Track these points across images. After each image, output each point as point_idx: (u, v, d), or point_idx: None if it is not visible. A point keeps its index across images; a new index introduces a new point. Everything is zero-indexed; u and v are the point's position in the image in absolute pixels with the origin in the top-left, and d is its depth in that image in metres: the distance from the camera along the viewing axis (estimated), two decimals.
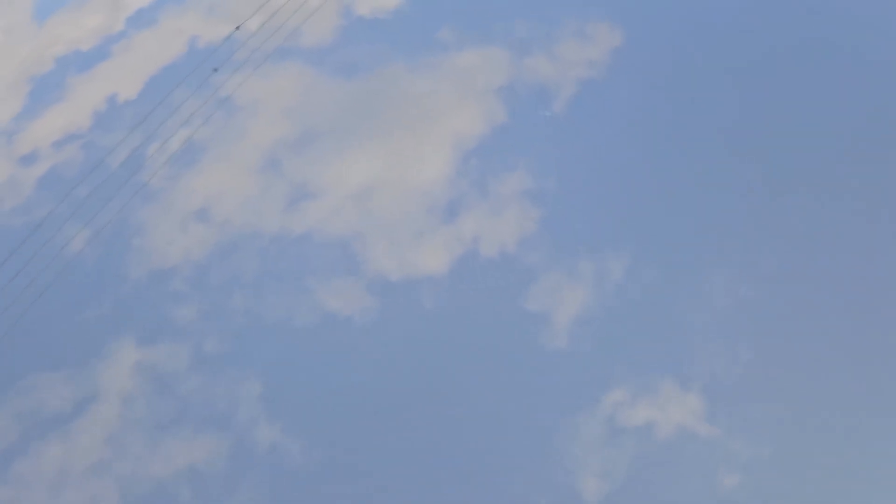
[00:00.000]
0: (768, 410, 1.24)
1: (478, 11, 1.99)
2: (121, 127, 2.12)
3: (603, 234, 1.47)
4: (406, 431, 1.31)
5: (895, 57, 1.58)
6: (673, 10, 1.83)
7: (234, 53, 2.20)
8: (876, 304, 1.31)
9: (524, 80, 1.73)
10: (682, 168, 1.54)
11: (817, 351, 1.27)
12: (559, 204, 1.55)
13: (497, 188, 1.59)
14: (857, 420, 1.25)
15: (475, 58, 1.87)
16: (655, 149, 1.57)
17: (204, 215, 1.79)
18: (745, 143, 1.47)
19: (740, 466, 1.21)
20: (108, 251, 1.82)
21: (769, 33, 1.73)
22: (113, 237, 1.84)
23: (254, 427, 1.38)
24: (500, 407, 1.29)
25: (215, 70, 2.07)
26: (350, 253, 1.59)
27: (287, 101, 2.00)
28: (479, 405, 1.31)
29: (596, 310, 1.35)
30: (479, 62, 1.85)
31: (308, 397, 1.42)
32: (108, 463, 1.42)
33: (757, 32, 1.72)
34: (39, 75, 2.26)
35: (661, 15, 1.82)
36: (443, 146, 1.72)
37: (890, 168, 1.46)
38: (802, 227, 1.39)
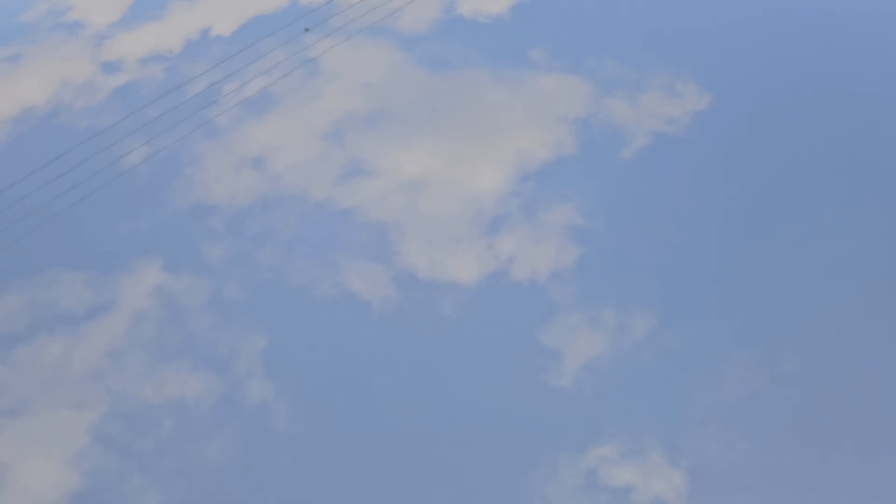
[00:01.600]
0: None
1: (574, 40, 1.98)
2: (205, 60, 2.16)
3: (636, 288, 1.45)
4: (389, 424, 1.31)
5: None
6: (764, 87, 1.81)
7: (330, 18, 2.22)
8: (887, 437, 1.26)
9: (600, 118, 1.72)
10: (731, 248, 1.52)
11: (815, 463, 1.24)
12: (601, 248, 1.53)
13: (544, 216, 1.59)
14: None
15: (559, 84, 1.86)
16: (710, 222, 1.55)
17: (258, 164, 1.82)
18: (800, 240, 1.43)
19: None
20: (160, 173, 1.85)
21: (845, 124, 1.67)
22: (168, 161, 1.87)
23: (248, 380, 1.39)
24: (487, 425, 1.29)
25: (307, 30, 2.09)
26: (386, 240, 1.60)
27: (367, 77, 2.02)
28: (468, 418, 1.31)
29: (607, 360, 1.33)
30: (562, 89, 1.84)
31: (308, 368, 1.43)
32: (104, 373, 1.44)
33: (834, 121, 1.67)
34: None
35: (751, 89, 1.80)
36: (504, 161, 1.72)
37: None
38: (836, 339, 1.35)
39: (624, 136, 1.69)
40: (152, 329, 1.49)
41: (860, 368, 1.31)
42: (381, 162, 1.78)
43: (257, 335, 1.45)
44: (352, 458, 1.28)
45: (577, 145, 1.71)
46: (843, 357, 1.33)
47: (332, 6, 2.24)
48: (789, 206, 1.56)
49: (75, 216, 1.78)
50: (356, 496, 1.26)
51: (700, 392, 1.28)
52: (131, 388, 1.41)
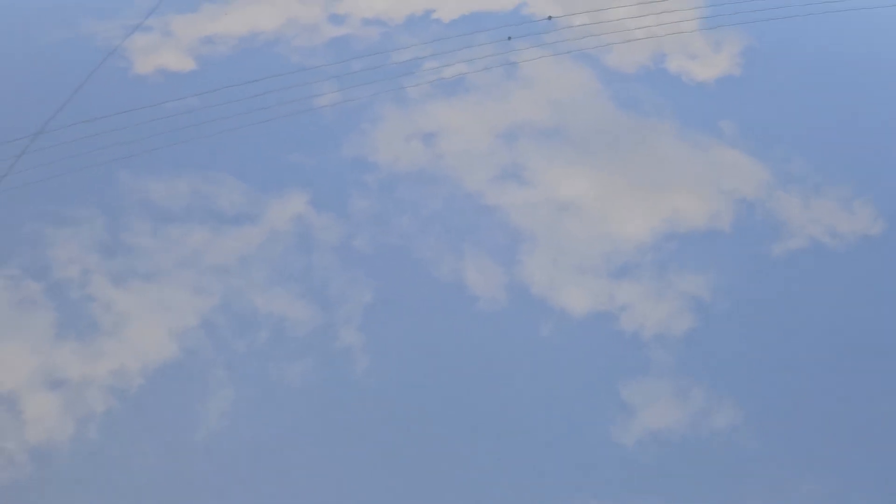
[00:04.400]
0: None
1: (769, 125, 1.93)
2: (418, 36, 2.27)
3: (735, 380, 1.41)
4: (447, 410, 1.36)
5: None
6: None
7: (546, 34, 2.28)
8: None
9: (766, 206, 1.67)
10: (850, 383, 1.43)
11: None
12: (715, 328, 1.50)
13: (673, 278, 1.57)
14: None
15: (738, 160, 1.83)
16: (838, 346, 1.46)
17: (428, 140, 1.91)
18: None
19: None
20: (340, 121, 1.98)
21: None
22: (350, 113, 2.00)
23: (344, 325, 1.48)
24: (533, 450, 1.30)
25: (509, 38, 2.17)
26: (515, 247, 1.63)
27: (558, 94, 2.06)
28: (519, 436, 1.33)
29: (677, 436, 1.30)
30: (739, 166, 1.81)
31: (398, 334, 1.49)
32: (228, 271, 1.58)
33: None
34: None
35: None
36: (656, 213, 1.71)
37: None
38: None
39: (782, 232, 1.63)
40: (281, 250, 1.61)
41: None
42: (541, 175, 1.82)
43: (366, 289, 1.53)
44: (404, 432, 1.33)
45: (732, 224, 1.67)
46: None
47: (551, 24, 2.31)
48: None
49: (256, 133, 1.94)
50: (400, 467, 1.31)
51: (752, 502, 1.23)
52: (246, 292, 1.54)
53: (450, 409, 1.36)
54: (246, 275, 1.57)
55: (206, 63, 2.20)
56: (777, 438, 1.30)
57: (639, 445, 1.27)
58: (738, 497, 1.22)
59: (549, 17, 2.28)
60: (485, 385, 1.41)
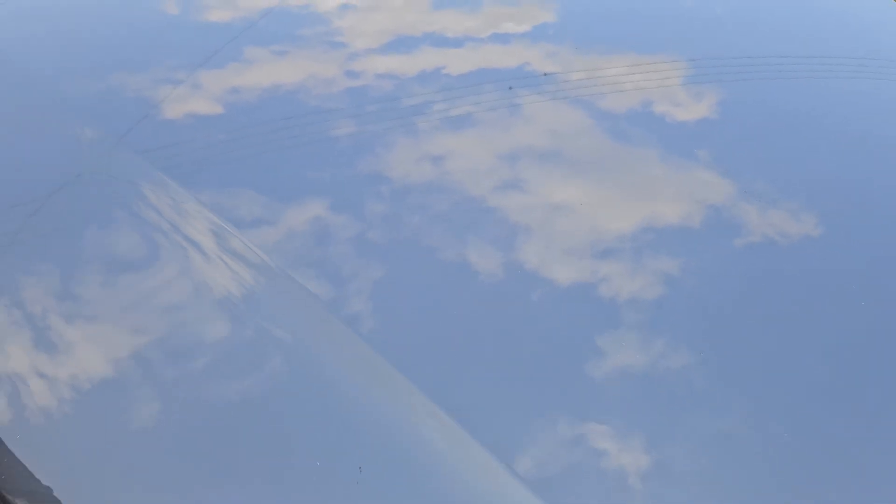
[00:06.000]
0: None
1: (736, 155, 2.18)
2: (428, 86, 2.55)
3: (686, 332, 1.58)
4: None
5: None
6: None
7: (540, 84, 2.56)
8: None
9: (731, 213, 1.89)
10: None
11: None
12: (678, 295, 1.69)
13: (647, 260, 1.78)
14: None
15: (710, 178, 2.06)
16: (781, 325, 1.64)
17: (436, 161, 2.16)
18: None
19: None
20: (354, 147, 2.24)
21: None
22: (364, 141, 2.26)
23: (355, 296, 1.69)
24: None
25: (510, 88, 2.46)
26: (511, 236, 1.85)
27: (554, 127, 2.32)
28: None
29: (627, 375, 1.47)
30: (711, 183, 2.03)
31: (415, 302, 1.69)
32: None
33: None
34: None
35: None
36: (636, 213, 1.93)
37: None
38: None
39: (743, 231, 1.85)
40: (298, 241, 1.84)
41: None
42: (537, 185, 2.06)
43: (379, 267, 1.75)
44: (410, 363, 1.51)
45: (701, 222, 1.89)
46: None
47: (549, 77, 2.60)
48: None
49: (276, 158, 2.20)
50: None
51: None
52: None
53: (455, 345, 1.56)
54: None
55: (232, 108, 2.44)
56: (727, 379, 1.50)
57: (605, 378, 1.46)
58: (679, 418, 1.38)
59: (545, 74, 2.58)
60: (482, 330, 1.65)
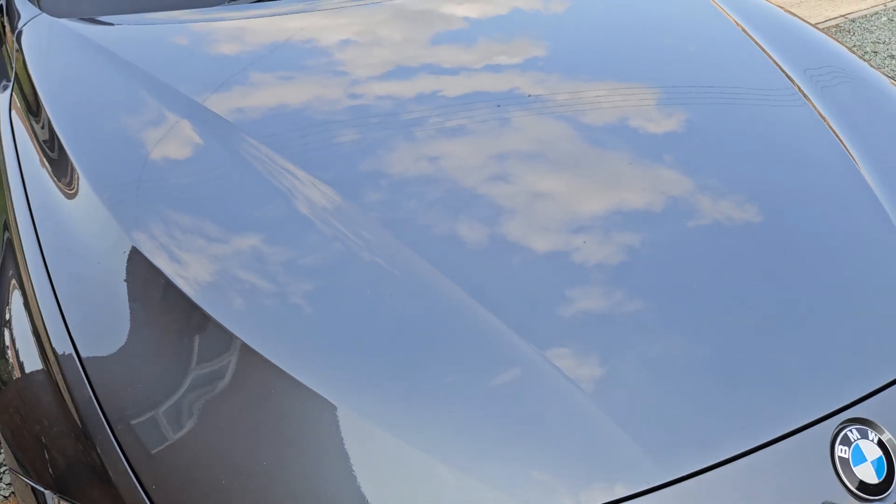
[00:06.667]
0: None
1: (699, 159, 2.47)
2: (425, 105, 2.83)
3: (637, 283, 1.86)
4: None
5: None
6: None
7: (528, 104, 2.85)
8: None
9: (688, 201, 2.18)
10: None
11: None
12: (638, 262, 1.96)
13: (615, 234, 2.05)
14: None
15: (673, 177, 2.34)
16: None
17: (432, 160, 2.43)
18: None
19: None
20: (354, 150, 2.50)
21: None
22: (365, 147, 2.53)
23: (362, 256, 1.94)
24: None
25: (498, 106, 2.75)
26: (497, 216, 2.12)
27: (539, 135, 2.61)
28: None
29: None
30: (674, 180, 2.32)
31: (410, 268, 1.95)
32: None
33: None
34: None
35: None
36: (607, 199, 2.21)
37: None
38: None
39: (696, 215, 2.13)
40: (301, 226, 2.11)
41: None
42: (522, 178, 2.34)
43: (383, 243, 2.03)
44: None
45: (663, 209, 2.17)
46: None
47: (536, 98, 2.89)
48: None
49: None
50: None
51: None
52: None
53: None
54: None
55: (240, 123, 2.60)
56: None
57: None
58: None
59: (529, 95, 2.87)
60: (471, 290, 1.92)
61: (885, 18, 9.17)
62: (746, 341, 1.83)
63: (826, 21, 9.13)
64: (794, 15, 3.73)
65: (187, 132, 2.46)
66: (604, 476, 1.56)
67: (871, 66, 3.29)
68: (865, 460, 1.56)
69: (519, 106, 2.82)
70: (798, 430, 1.61)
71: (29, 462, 1.72)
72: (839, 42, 3.49)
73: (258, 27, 3.19)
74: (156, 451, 1.59)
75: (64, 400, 1.69)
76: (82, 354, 1.75)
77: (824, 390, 1.70)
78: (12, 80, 2.76)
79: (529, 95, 2.86)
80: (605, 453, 1.59)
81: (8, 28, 3.07)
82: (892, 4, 9.56)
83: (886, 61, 7.96)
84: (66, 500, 1.62)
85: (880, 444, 1.60)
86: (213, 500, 1.52)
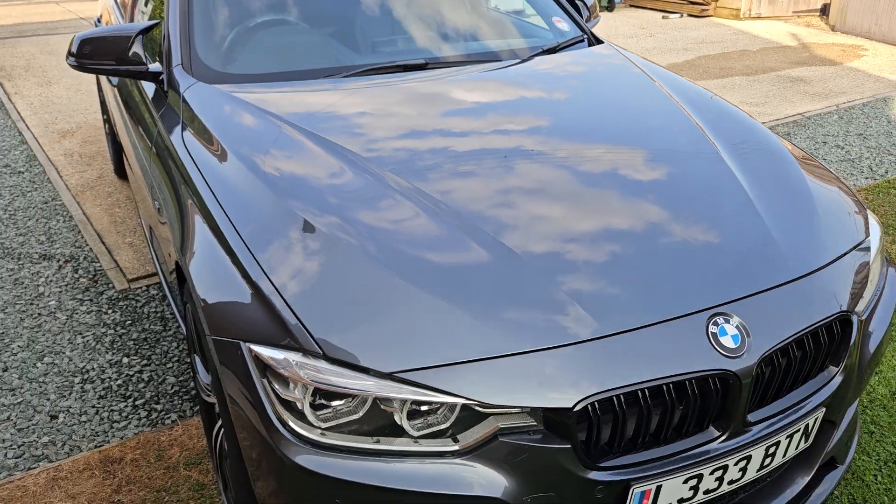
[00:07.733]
0: None
1: (662, 192, 3.64)
2: (437, 157, 4.07)
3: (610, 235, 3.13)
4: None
5: None
6: None
7: (532, 155, 4.11)
8: None
9: (652, 222, 3.32)
10: None
11: None
12: (610, 234, 3.23)
13: (596, 235, 3.32)
14: None
15: (643, 207, 3.64)
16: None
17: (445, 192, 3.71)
18: None
19: None
20: (370, 186, 3.76)
21: None
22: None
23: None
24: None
25: (505, 157, 3.91)
26: (500, 194, 3.39)
27: (539, 176, 3.84)
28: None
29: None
30: (640, 208, 3.57)
31: (425, 223, 3.24)
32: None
33: None
34: None
35: None
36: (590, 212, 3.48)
37: None
38: None
39: (658, 229, 3.45)
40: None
41: None
42: (520, 206, 3.59)
43: (401, 202, 3.30)
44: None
45: (633, 226, 3.47)
46: None
47: (536, 152, 4.13)
48: None
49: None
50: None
51: None
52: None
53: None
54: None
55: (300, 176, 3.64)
56: None
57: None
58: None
59: (532, 150, 4.09)
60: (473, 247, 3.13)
61: (836, 116, 10.64)
62: (664, 260, 3.06)
63: (786, 117, 10.54)
64: (735, 106, 5.02)
65: (298, 138, 3.69)
66: (553, 325, 2.69)
67: (784, 141, 4.52)
68: (727, 334, 2.70)
69: (522, 158, 3.98)
70: (687, 314, 2.75)
71: (224, 326, 2.74)
72: (757, 121, 4.77)
73: (345, 94, 4.43)
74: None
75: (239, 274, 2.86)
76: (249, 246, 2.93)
77: (701, 289, 2.85)
78: (181, 120, 4.05)
79: (532, 150, 4.02)
80: (555, 310, 2.77)
81: (171, 91, 4.40)
82: (844, 105, 11.05)
83: (833, 150, 9.33)
84: (255, 345, 2.62)
85: (738, 326, 2.75)
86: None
